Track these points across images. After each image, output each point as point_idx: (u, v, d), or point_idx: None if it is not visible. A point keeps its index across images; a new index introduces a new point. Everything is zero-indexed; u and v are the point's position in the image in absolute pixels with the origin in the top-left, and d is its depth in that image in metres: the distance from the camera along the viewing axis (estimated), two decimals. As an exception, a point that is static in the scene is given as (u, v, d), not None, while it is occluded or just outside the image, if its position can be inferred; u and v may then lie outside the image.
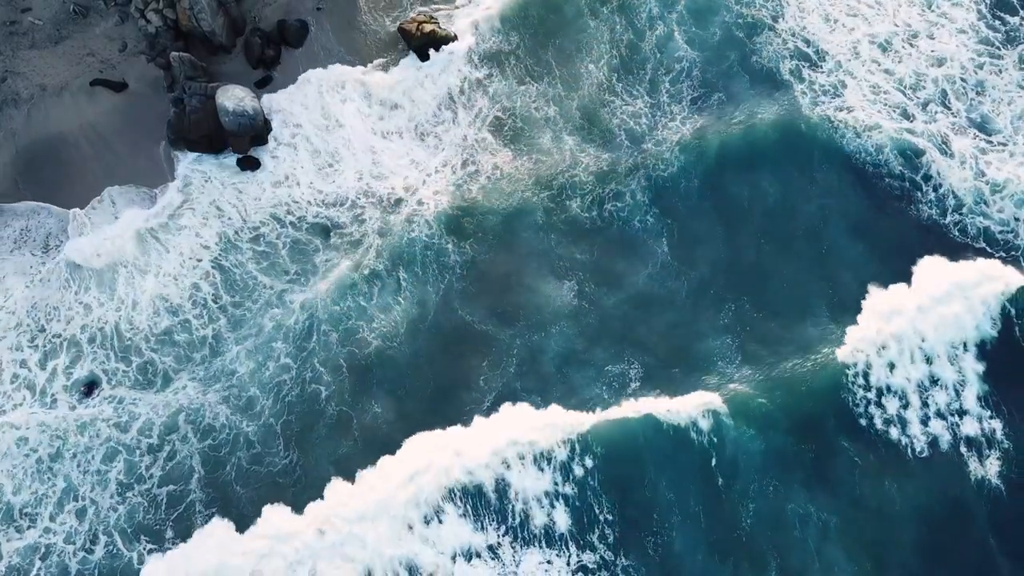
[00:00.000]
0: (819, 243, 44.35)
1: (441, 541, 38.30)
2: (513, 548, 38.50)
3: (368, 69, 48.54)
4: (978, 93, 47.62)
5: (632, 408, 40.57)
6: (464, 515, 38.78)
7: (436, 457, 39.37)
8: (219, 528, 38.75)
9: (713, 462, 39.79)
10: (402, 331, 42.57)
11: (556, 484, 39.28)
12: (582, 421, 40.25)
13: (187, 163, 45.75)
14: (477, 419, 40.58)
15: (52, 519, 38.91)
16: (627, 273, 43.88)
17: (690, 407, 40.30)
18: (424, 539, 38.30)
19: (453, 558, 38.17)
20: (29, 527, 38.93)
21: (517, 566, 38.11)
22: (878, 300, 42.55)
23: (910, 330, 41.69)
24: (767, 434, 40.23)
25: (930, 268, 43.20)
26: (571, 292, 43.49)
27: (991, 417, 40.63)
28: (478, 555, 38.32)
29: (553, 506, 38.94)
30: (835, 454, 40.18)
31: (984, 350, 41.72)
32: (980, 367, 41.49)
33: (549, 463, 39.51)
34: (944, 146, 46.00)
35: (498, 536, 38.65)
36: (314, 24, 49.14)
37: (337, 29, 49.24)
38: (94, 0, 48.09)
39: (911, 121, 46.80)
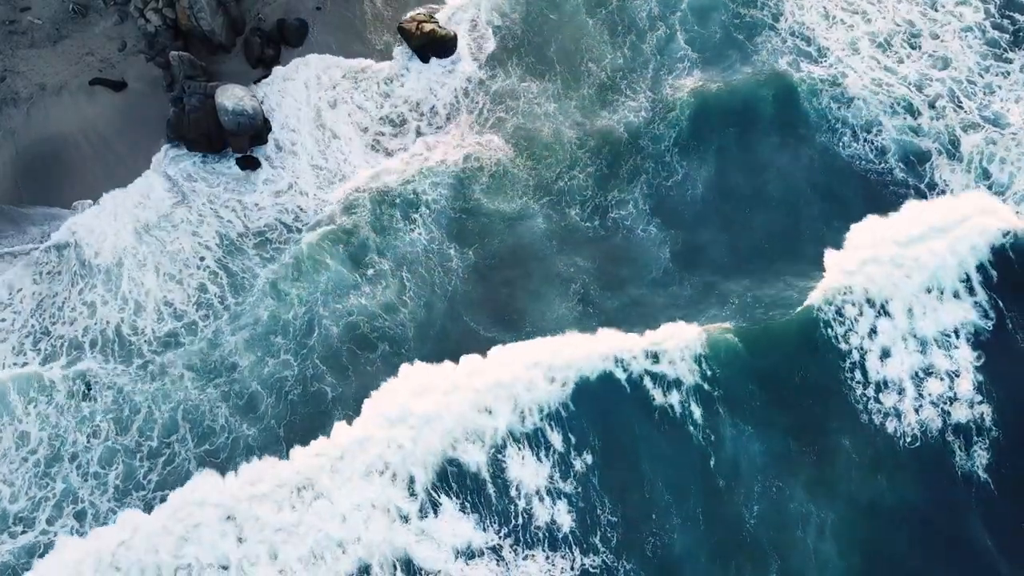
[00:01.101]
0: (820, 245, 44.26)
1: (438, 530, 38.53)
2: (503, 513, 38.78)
3: (367, 66, 48.48)
4: (987, 93, 47.41)
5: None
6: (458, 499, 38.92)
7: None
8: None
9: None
10: (411, 335, 42.34)
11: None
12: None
13: (183, 164, 45.68)
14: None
15: (50, 523, 38.85)
16: (630, 277, 43.78)
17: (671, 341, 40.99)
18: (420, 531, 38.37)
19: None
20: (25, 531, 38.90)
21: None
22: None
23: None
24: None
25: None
26: (575, 296, 43.28)
27: (981, 402, 40.62)
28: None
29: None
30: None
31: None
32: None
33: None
34: (951, 147, 45.88)
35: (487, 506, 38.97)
36: (314, 24, 48.98)
37: (337, 29, 49.13)
38: (93, 0, 48.17)
39: (916, 118, 46.68)
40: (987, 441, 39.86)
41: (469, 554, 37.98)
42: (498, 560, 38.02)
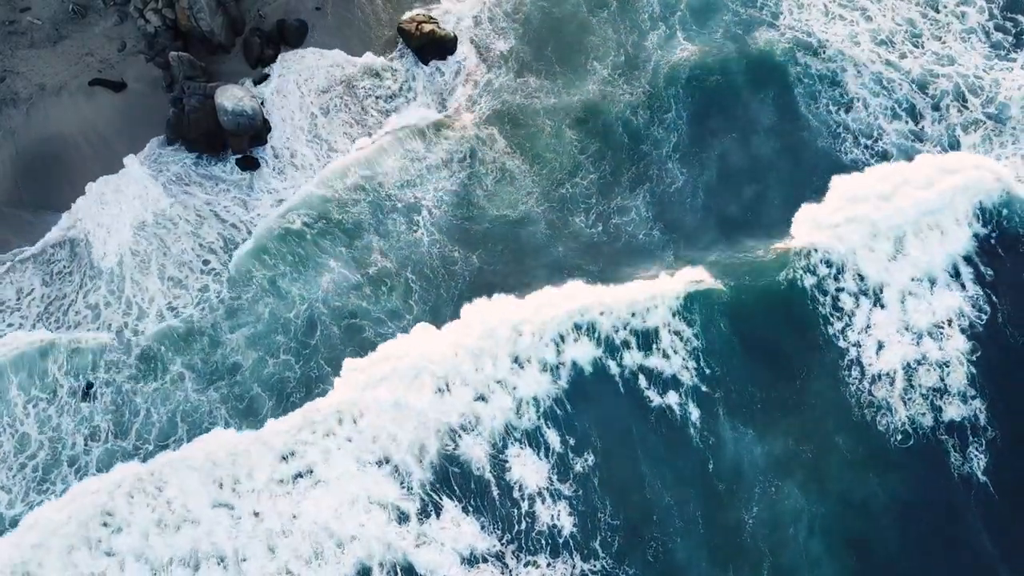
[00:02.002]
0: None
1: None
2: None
3: (365, 65, 48.41)
4: (994, 86, 47.42)
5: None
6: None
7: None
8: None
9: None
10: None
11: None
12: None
13: (173, 167, 45.70)
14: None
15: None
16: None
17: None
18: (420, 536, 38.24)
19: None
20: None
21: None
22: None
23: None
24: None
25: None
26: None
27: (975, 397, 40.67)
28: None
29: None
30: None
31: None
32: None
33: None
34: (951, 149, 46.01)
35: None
36: (313, 24, 48.91)
37: (336, 29, 49.08)
38: (93, 0, 47.92)
39: (918, 122, 46.61)
40: (983, 441, 39.92)
41: (472, 560, 37.83)
42: (503, 568, 37.83)
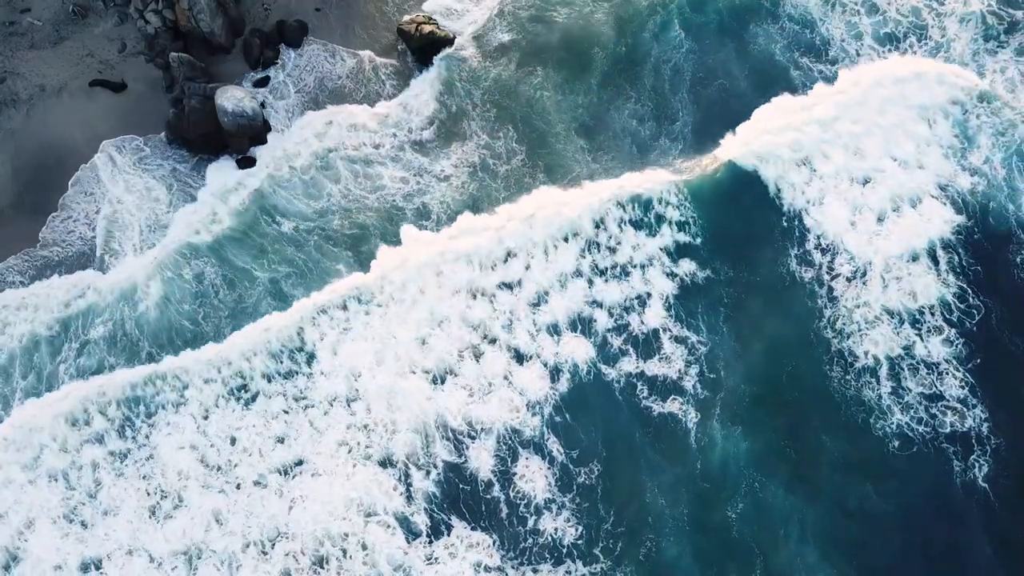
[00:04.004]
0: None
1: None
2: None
3: (364, 62, 48.42)
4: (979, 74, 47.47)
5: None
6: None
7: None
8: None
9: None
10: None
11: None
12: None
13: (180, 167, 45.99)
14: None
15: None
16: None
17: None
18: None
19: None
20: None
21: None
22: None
23: None
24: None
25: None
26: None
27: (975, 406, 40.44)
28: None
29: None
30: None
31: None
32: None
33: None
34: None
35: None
36: (313, 25, 48.97)
37: (336, 30, 49.11)
38: (93, 1, 48.00)
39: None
40: (986, 449, 39.81)
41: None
42: (506, 581, 37.81)
